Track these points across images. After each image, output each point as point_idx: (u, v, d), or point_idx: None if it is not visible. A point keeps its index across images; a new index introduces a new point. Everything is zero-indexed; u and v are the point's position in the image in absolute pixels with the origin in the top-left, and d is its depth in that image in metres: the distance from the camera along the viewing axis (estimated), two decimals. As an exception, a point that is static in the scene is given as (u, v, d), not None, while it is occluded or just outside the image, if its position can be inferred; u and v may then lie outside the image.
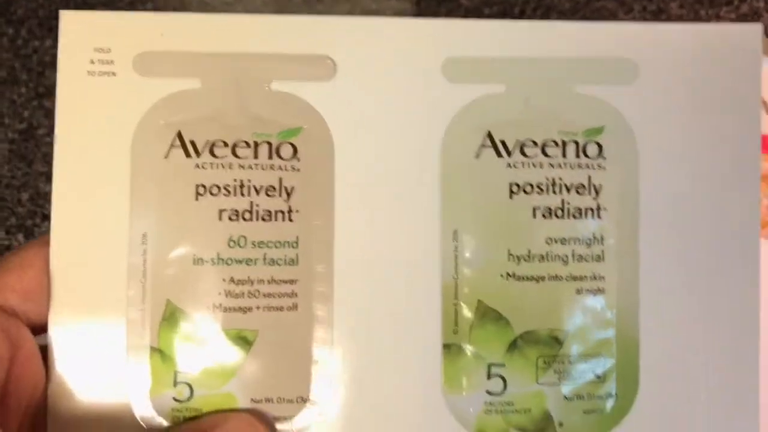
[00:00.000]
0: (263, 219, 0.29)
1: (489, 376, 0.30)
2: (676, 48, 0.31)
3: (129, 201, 0.29)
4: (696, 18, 0.69)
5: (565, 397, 0.30)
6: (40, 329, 0.29)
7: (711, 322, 0.30)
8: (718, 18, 0.69)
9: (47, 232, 0.29)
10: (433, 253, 0.30)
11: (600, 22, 0.31)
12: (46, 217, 0.65)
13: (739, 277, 0.30)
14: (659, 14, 0.69)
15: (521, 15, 0.69)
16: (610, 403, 0.30)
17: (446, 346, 0.30)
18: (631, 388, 0.30)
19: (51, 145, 0.29)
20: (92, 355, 0.29)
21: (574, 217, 0.30)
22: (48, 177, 0.64)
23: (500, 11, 0.69)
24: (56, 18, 0.29)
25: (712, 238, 0.31)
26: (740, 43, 0.31)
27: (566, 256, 0.30)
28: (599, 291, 0.30)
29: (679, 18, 0.69)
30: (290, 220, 0.29)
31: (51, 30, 0.67)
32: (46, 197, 0.65)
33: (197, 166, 0.29)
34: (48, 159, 0.65)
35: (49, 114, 0.65)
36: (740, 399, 0.30)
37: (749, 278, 0.31)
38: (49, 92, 0.65)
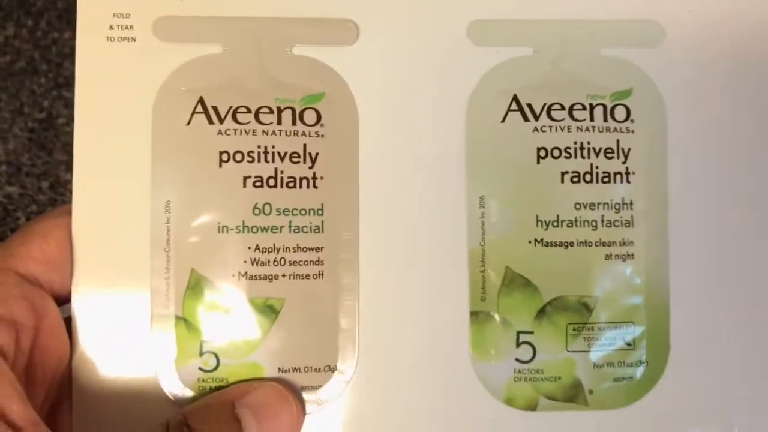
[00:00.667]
0: (288, 186, 0.29)
1: (518, 344, 0.29)
2: (703, 10, 0.30)
3: (151, 168, 0.29)
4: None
5: (595, 365, 0.29)
6: (63, 300, 0.29)
7: (742, 286, 0.30)
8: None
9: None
10: (460, 219, 0.30)
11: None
12: (67, 205, 0.65)
13: (771, 240, 0.30)
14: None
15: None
16: (640, 371, 0.30)
17: (474, 314, 0.29)
18: (661, 355, 0.30)
19: (70, 134, 0.29)
20: (116, 326, 0.29)
21: (603, 181, 0.30)
22: (68, 166, 0.65)
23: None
24: (75, 10, 0.29)
25: (742, 200, 0.30)
26: (770, 3, 0.30)
27: (595, 222, 0.30)
28: (628, 256, 0.30)
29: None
30: (315, 186, 0.29)
31: (69, 22, 0.67)
32: (66, 185, 0.65)
33: (220, 132, 0.29)
34: (68, 148, 0.65)
35: (69, 104, 0.65)
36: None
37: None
38: (68, 82, 0.66)
